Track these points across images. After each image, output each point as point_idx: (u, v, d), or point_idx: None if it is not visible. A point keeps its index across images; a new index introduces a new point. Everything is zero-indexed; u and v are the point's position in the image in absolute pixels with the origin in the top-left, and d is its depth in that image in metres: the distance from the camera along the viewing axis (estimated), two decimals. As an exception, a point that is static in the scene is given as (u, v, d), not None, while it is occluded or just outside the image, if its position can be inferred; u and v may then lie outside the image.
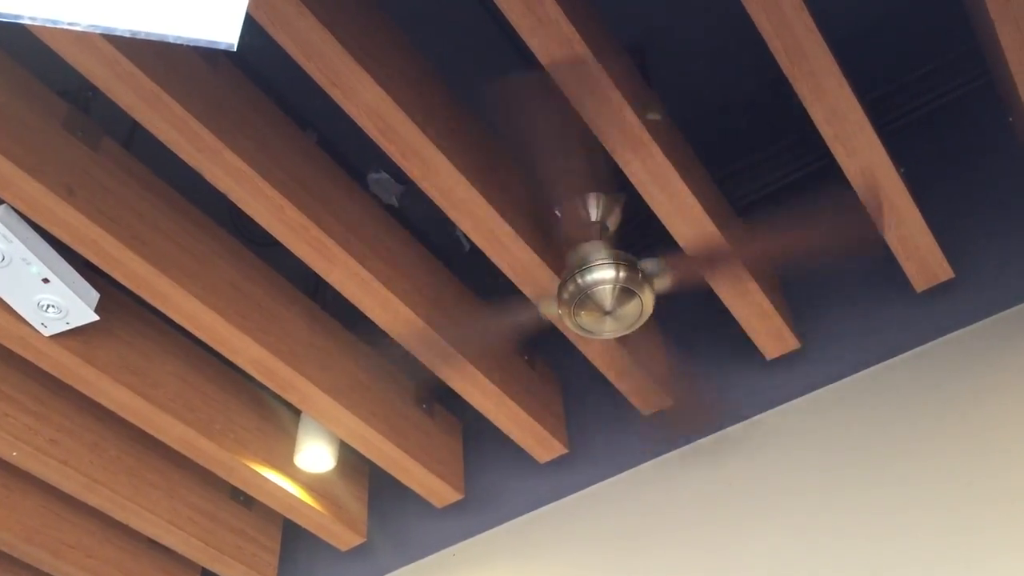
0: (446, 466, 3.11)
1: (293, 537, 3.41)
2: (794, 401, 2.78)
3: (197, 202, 2.58)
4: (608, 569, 2.83)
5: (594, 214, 2.40)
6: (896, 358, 2.67)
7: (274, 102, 2.45)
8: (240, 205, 2.34)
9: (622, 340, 2.55)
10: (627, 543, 2.83)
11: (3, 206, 2.25)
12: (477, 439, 3.22)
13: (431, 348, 2.65)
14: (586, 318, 2.28)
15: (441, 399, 3.17)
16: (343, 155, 2.65)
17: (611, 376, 2.84)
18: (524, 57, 2.33)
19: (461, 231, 2.52)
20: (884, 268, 2.64)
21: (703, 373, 2.94)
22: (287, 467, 3.06)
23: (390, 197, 2.91)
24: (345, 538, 3.25)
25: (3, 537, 2.98)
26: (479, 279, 2.84)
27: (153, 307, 2.54)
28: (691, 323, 2.94)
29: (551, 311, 2.37)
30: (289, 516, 3.17)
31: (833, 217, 2.20)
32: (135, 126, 2.42)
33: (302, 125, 2.55)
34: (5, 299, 2.40)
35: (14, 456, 2.76)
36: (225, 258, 2.61)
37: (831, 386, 2.74)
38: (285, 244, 2.43)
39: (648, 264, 2.27)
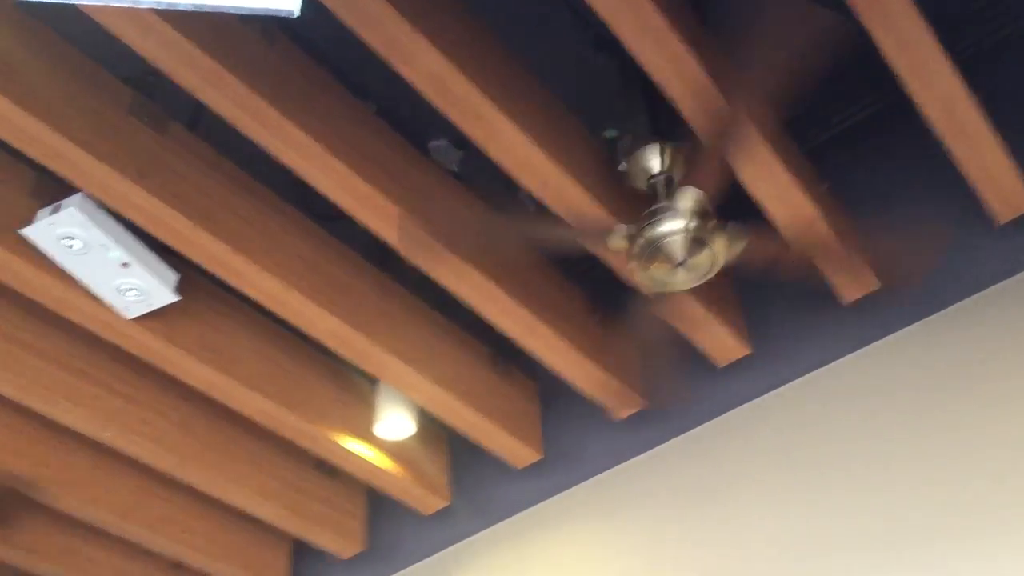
0: (523, 427, 3.13)
1: (378, 504, 3.47)
2: (873, 345, 2.72)
3: (261, 180, 2.61)
4: (687, 523, 2.82)
5: (660, 165, 2.37)
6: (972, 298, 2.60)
7: (331, 74, 2.46)
8: (307, 179, 2.36)
9: (694, 291, 2.52)
10: (705, 497, 2.81)
11: (79, 194, 2.31)
12: (552, 399, 3.23)
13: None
14: (657, 270, 2.24)
15: (515, 360, 3.18)
16: (402, 123, 2.64)
17: (684, 328, 2.81)
18: (580, 16, 2.30)
19: (526, 193, 2.50)
20: (965, 203, 2.55)
21: (780, 319, 2.89)
22: (368, 436, 3.11)
23: (451, 164, 2.90)
24: (428, 502, 3.30)
25: (101, 516, 3.09)
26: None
27: (228, 285, 2.59)
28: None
29: (618, 244, 2.30)
30: (372, 483, 3.23)
31: None
32: (198, 108, 2.45)
33: (361, 96, 2.56)
34: (87, 285, 2.47)
35: (107, 436, 2.85)
36: (294, 233, 2.64)
37: (893, 336, 2.68)
38: (353, 216, 2.45)
39: (732, 228, 2.21)
